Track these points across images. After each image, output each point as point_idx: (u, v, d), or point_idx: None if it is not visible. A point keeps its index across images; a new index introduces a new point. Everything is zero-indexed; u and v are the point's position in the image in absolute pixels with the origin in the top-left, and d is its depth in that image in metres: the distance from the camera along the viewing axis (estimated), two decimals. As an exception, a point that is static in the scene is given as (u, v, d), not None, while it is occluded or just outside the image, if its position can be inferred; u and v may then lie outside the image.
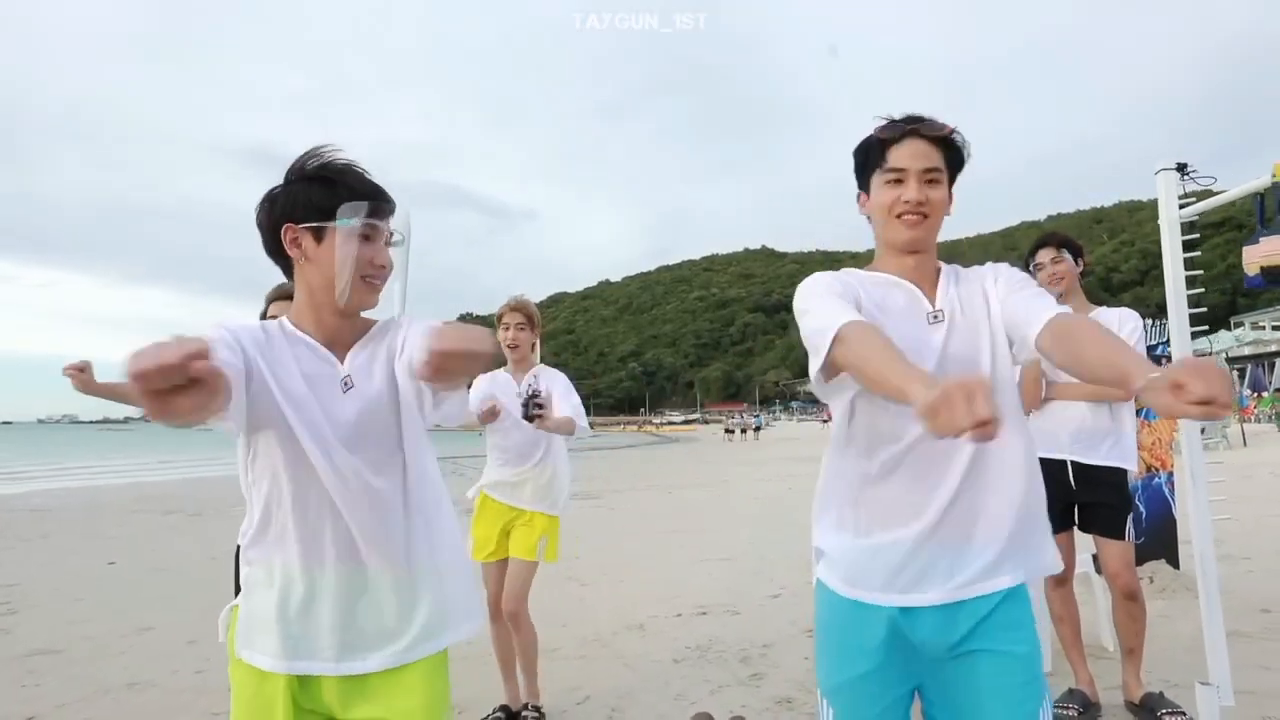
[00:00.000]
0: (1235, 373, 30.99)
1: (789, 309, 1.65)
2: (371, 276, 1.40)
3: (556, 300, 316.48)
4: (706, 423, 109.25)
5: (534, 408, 3.09)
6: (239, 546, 2.64)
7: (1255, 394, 24.96)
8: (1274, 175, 2.04)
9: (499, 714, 3.30)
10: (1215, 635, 2.31)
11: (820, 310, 1.36)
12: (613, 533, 9.14)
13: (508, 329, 3.40)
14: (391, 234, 1.45)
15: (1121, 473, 3.10)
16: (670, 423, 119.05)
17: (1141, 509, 4.96)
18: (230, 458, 1.48)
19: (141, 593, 6.25)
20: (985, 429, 0.95)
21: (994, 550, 1.41)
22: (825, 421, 55.39)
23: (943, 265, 1.55)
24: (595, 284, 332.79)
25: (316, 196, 1.36)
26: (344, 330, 1.45)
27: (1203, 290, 2.44)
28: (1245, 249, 2.17)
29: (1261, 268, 2.16)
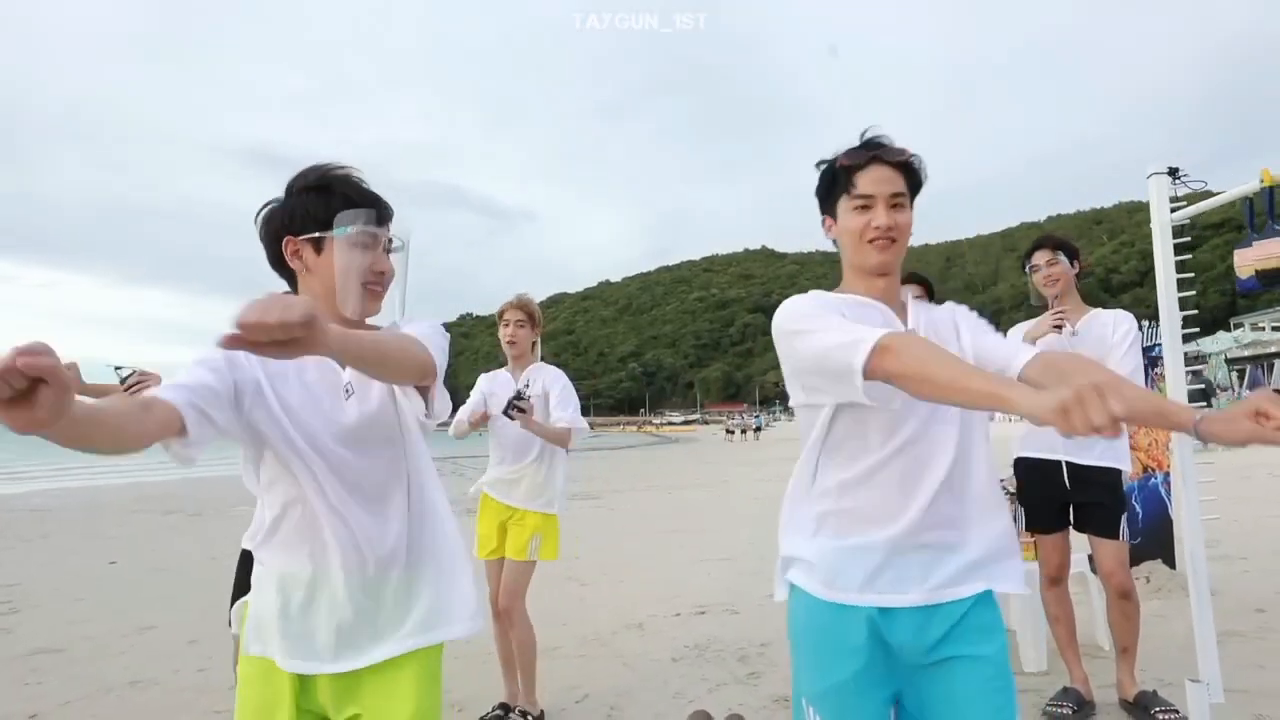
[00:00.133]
0: (1235, 374, 31.01)
1: None
2: (373, 283, 1.42)
3: (556, 301, 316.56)
4: (706, 423, 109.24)
5: (512, 407, 3.12)
6: (244, 551, 2.67)
7: (1254, 395, 25.03)
8: (1262, 180, 2.07)
9: (498, 711, 3.33)
10: (1205, 633, 2.34)
11: (828, 326, 1.39)
12: (613, 533, 9.17)
13: (507, 325, 3.42)
14: (391, 240, 1.46)
15: (1115, 473, 3.13)
16: (670, 423, 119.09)
17: (1138, 509, 4.99)
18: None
19: (142, 592, 6.28)
20: (1116, 426, 0.99)
21: (969, 555, 1.47)
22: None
23: (909, 296, 1.61)
24: (595, 284, 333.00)
25: (313, 207, 1.38)
26: None
27: (1194, 292, 2.47)
28: (1237, 252, 2.20)
29: (1257, 271, 2.18)
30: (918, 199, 1.56)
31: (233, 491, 14.81)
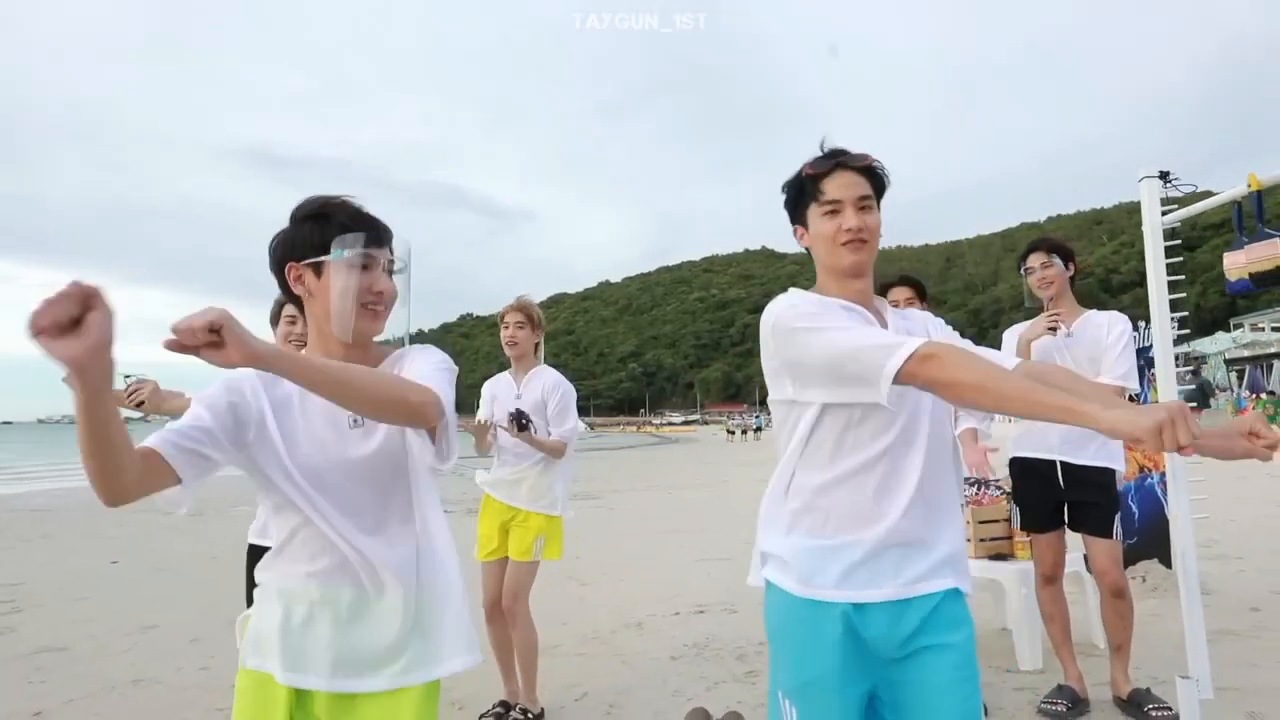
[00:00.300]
0: (1234, 374, 31.05)
1: None
2: (372, 303, 1.44)
3: (556, 301, 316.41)
4: (706, 423, 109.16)
5: (514, 422, 3.20)
6: (250, 546, 2.70)
7: (1253, 395, 25.00)
8: (1250, 185, 2.10)
9: (498, 708, 3.36)
10: (1195, 630, 2.37)
11: (844, 325, 1.44)
12: (613, 533, 9.20)
13: (507, 328, 3.45)
14: (391, 262, 1.48)
15: (1109, 472, 3.16)
16: (670, 423, 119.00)
17: (1134, 509, 5.02)
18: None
19: (143, 592, 6.32)
20: (1192, 448, 1.11)
21: (940, 552, 1.53)
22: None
23: (886, 304, 1.66)
24: (595, 285, 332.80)
25: (312, 233, 1.42)
26: (352, 361, 1.45)
27: (1184, 295, 2.50)
28: (1227, 255, 2.23)
29: (1250, 274, 2.22)
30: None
31: (233, 491, 14.81)
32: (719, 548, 7.62)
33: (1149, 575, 4.96)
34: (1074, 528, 3.27)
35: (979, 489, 4.36)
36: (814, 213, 1.59)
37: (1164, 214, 2.38)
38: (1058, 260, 3.22)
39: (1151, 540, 5.01)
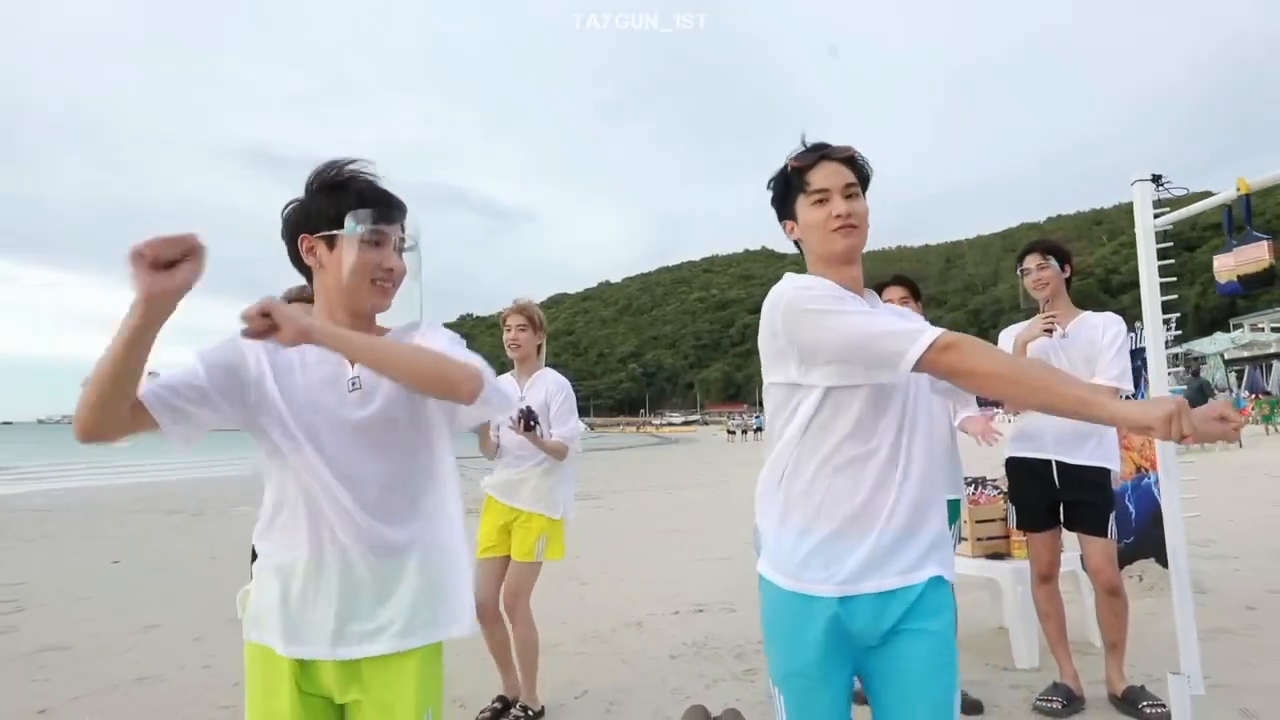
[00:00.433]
0: (1233, 374, 31.03)
1: None
2: (381, 280, 1.46)
3: (557, 301, 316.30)
4: (706, 424, 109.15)
5: (523, 419, 3.23)
6: (254, 547, 2.72)
7: (1253, 395, 25.00)
8: (1239, 188, 2.13)
9: (496, 704, 3.39)
10: (1187, 627, 2.40)
11: (858, 309, 1.50)
12: (613, 533, 9.22)
13: (509, 330, 3.46)
14: (403, 239, 1.50)
15: (1104, 472, 3.19)
16: (670, 424, 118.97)
17: (1131, 509, 5.04)
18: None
19: (144, 592, 6.34)
20: (1192, 438, 1.25)
21: (924, 543, 1.57)
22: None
23: (873, 295, 1.69)
24: (595, 285, 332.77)
25: (326, 205, 1.44)
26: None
27: (1176, 296, 2.53)
28: (1216, 258, 2.27)
29: (1239, 276, 2.25)
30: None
31: (233, 491, 14.87)
32: (719, 547, 7.65)
33: (1145, 574, 4.99)
34: (1069, 527, 3.30)
35: (976, 488, 4.39)
36: (803, 204, 1.63)
37: (1156, 217, 2.42)
38: (1053, 262, 3.25)
39: (1148, 540, 5.03)
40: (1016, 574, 3.85)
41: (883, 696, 1.57)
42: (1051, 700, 3.17)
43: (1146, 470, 5.10)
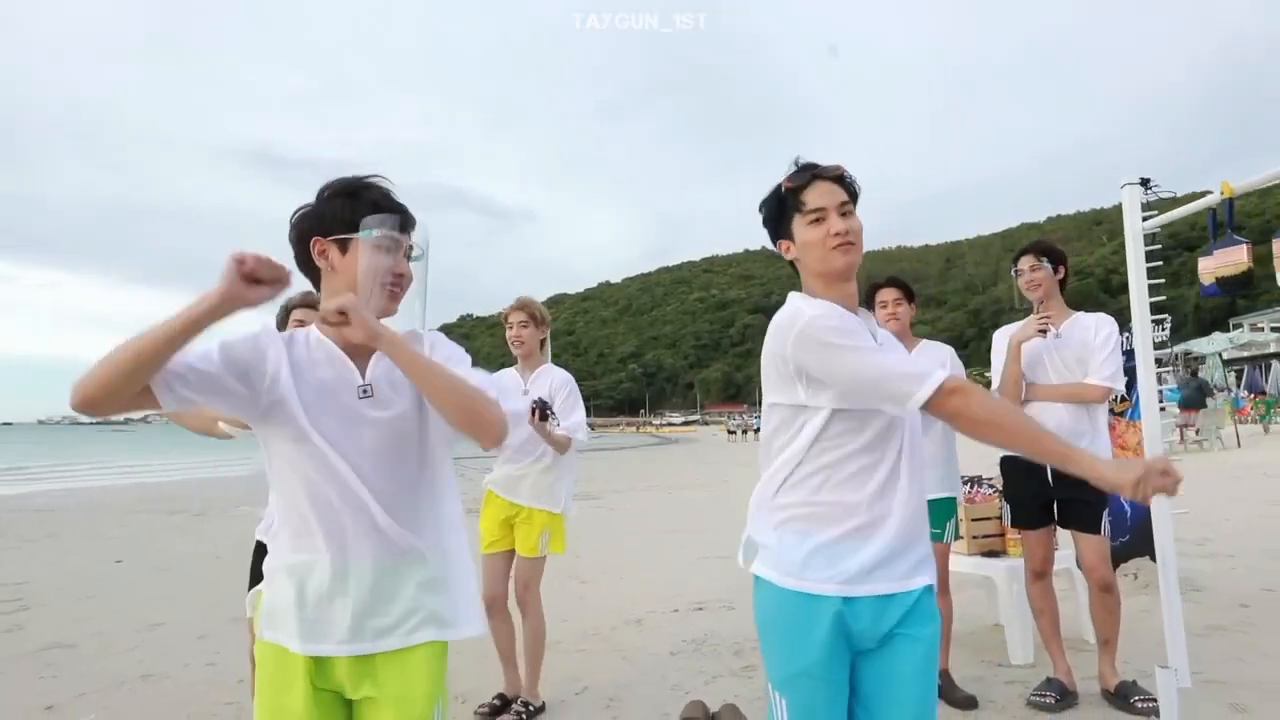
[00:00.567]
0: (1233, 374, 31.05)
1: None
2: (392, 285, 1.52)
3: (557, 301, 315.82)
4: (706, 424, 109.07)
5: (538, 408, 3.27)
6: (258, 543, 2.76)
7: (1251, 395, 25.02)
8: (1223, 192, 2.17)
9: (495, 701, 3.43)
10: (1174, 622, 2.45)
11: (870, 347, 1.56)
12: (613, 532, 9.27)
13: (511, 327, 3.50)
14: (412, 247, 1.56)
15: (1098, 470, 3.23)
16: (670, 424, 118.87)
17: (1127, 508, 5.08)
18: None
19: (147, 591, 6.39)
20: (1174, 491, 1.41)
21: (919, 552, 1.63)
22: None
23: (866, 313, 1.74)
24: (595, 285, 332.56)
25: (342, 210, 1.49)
26: None
27: (1164, 298, 2.58)
28: (1201, 260, 2.31)
29: (1217, 278, 2.30)
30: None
31: (234, 492, 14.90)
32: (718, 547, 7.68)
33: (1140, 572, 5.03)
34: (1064, 525, 3.34)
35: (972, 487, 4.43)
36: (799, 224, 1.67)
37: (1145, 219, 2.46)
38: (1046, 263, 3.30)
39: (1143, 538, 5.06)
40: (1011, 571, 3.89)
41: (872, 699, 1.61)
42: (1045, 695, 3.21)
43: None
